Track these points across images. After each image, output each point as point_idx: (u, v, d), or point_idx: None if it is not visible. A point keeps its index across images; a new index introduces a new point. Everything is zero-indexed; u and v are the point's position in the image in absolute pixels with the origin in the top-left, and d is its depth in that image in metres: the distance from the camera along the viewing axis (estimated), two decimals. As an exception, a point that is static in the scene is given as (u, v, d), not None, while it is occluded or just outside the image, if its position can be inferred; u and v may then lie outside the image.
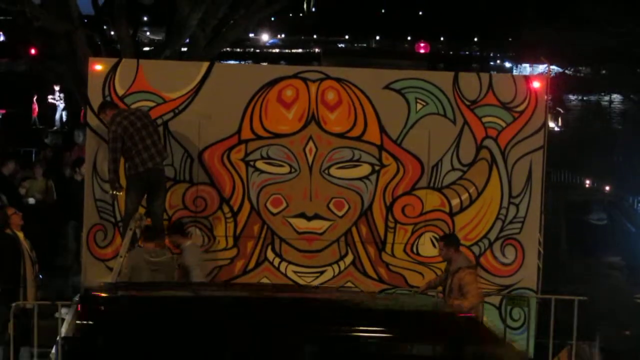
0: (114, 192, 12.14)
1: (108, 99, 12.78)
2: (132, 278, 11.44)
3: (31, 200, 16.80)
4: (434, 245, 12.70)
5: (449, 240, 11.90)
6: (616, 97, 46.72)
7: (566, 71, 38.51)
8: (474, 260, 11.95)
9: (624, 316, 12.14)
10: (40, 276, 12.77)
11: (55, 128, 33.59)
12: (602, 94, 48.33)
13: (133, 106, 12.84)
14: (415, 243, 12.90)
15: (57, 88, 33.92)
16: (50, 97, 34.74)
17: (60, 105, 35.24)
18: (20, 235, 12.80)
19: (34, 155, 24.42)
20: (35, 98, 34.79)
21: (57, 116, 35.23)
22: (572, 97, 47.31)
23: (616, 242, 13.83)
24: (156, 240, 11.94)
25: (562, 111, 41.92)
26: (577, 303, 12.09)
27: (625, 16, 23.34)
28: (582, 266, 13.39)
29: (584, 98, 50.19)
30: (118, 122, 12.03)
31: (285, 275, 12.93)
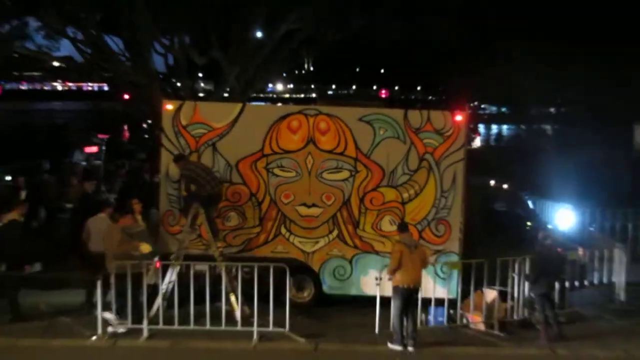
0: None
1: (182, 144, 12.93)
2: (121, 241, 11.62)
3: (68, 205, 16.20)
4: (390, 224, 12.75)
5: (398, 225, 11.98)
6: (510, 127, 47.02)
7: (479, 110, 38.62)
8: (411, 238, 11.68)
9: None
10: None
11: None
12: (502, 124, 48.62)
13: (193, 132, 12.98)
14: (379, 223, 12.86)
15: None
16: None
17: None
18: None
19: (127, 166, 24.31)
20: (126, 127, 34.78)
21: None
22: (482, 126, 47.63)
23: (510, 223, 13.65)
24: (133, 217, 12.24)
25: (475, 136, 42.14)
26: (489, 264, 12.19)
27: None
28: (490, 238, 13.29)
29: (491, 127, 50.50)
30: (184, 166, 12.45)
31: (293, 244, 12.93)
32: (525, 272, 12.21)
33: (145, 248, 11.88)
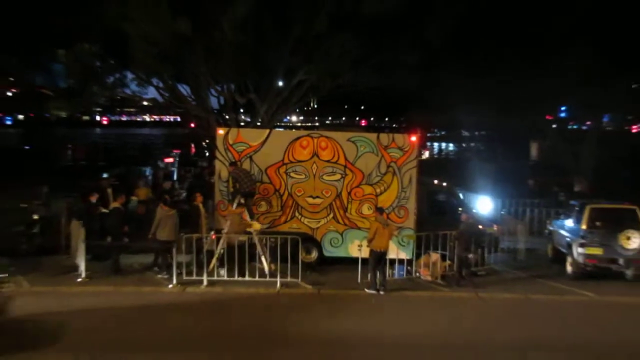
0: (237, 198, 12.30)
1: (230, 156, 12.87)
2: (159, 223, 11.52)
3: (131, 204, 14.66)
4: (368, 209, 12.71)
5: (376, 208, 11.99)
6: (451, 145, 46.99)
7: (428, 133, 38.46)
8: (383, 217, 11.74)
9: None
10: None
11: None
12: (445, 143, 48.57)
13: (237, 148, 12.94)
14: (360, 208, 12.84)
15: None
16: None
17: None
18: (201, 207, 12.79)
19: (192, 171, 24.22)
20: (192, 145, 34.68)
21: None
22: (431, 144, 47.60)
23: (447, 209, 13.55)
24: (169, 205, 11.92)
25: (425, 150, 41.86)
26: (434, 235, 12.20)
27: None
28: (434, 219, 13.19)
29: (437, 144, 50.40)
30: (233, 170, 12.41)
31: (303, 223, 12.89)
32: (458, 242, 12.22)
33: (256, 226, 12.07)
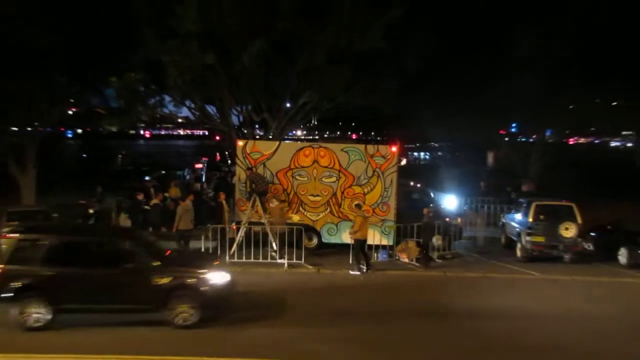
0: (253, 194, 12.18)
1: (247, 163, 12.76)
2: (183, 215, 11.56)
3: (168, 202, 14.49)
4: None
5: (356, 205, 11.87)
6: (425, 153, 46.86)
7: (406, 145, 38.23)
8: (366, 212, 11.70)
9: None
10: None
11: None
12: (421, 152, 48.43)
13: (253, 156, 12.87)
14: (351, 204, 12.68)
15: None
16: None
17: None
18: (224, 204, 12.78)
19: (217, 174, 24.05)
20: (217, 153, 34.55)
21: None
22: (409, 153, 47.52)
23: (421, 205, 13.00)
24: (187, 200, 11.97)
25: (404, 158, 41.77)
26: (410, 226, 12.14)
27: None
28: (410, 213, 13.03)
29: (414, 153, 50.36)
30: (250, 174, 12.33)
31: (306, 216, 12.79)
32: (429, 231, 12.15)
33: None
